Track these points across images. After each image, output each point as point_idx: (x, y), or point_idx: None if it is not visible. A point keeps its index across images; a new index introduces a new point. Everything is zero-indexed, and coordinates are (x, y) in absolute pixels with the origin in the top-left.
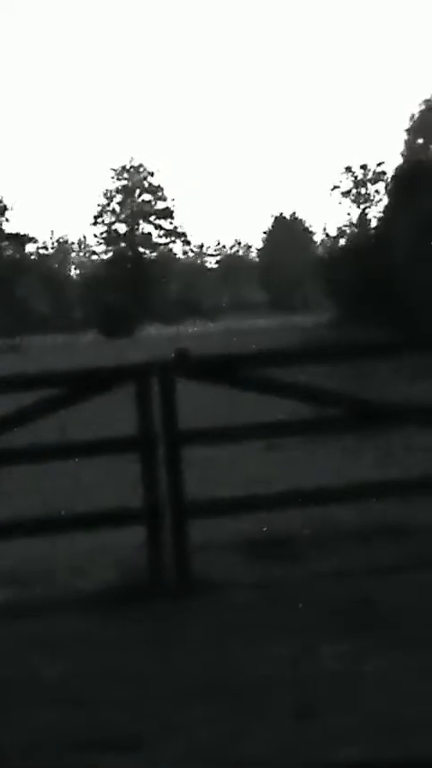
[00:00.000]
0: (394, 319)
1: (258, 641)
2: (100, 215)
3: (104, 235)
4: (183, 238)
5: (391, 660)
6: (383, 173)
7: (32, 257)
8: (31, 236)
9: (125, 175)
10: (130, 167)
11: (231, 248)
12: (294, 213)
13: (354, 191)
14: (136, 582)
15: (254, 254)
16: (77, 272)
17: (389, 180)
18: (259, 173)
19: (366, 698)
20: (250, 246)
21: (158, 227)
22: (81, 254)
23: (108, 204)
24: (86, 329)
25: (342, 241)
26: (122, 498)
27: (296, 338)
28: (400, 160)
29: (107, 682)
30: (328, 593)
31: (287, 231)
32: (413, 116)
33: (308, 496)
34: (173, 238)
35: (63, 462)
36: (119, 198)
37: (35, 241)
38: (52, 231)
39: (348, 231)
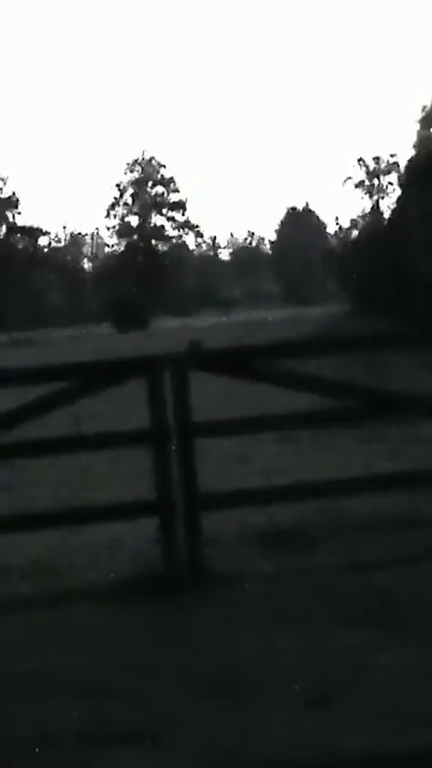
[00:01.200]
0: (408, 310)
1: (271, 633)
2: (113, 207)
3: (117, 227)
4: (195, 230)
5: (404, 651)
6: (396, 164)
7: (45, 250)
8: (44, 229)
9: (137, 168)
10: (143, 160)
11: (244, 240)
12: (307, 205)
13: (366, 182)
14: (149, 574)
15: (266, 246)
16: (90, 264)
17: (402, 171)
18: (272, 165)
19: (379, 689)
20: (263, 238)
21: (171, 219)
22: (94, 246)
23: (121, 197)
24: (100, 322)
25: (355, 232)
26: (135, 490)
27: (309, 329)
28: (412, 151)
29: (119, 673)
30: (340, 585)
31: (300, 223)
32: (425, 107)
33: (320, 488)
34: (185, 231)
35: (76, 455)
36: (131, 190)
37: (48, 234)
38: (65, 224)
39: (361, 222)
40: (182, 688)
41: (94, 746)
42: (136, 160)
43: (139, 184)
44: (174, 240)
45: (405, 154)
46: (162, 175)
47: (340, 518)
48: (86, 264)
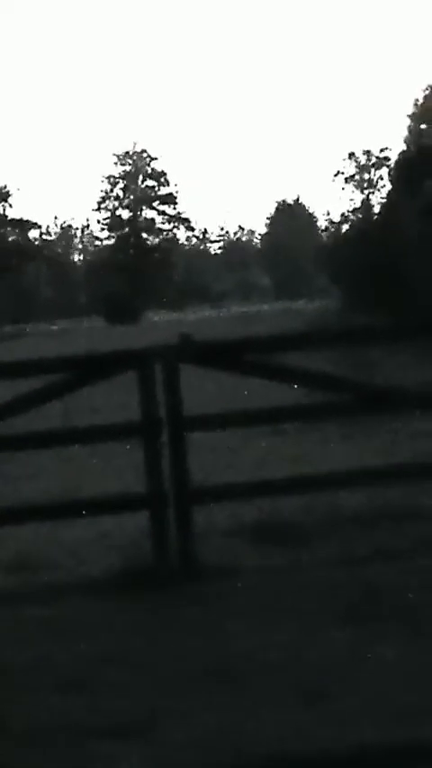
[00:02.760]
0: (398, 304)
1: (263, 626)
2: (103, 201)
3: (108, 221)
4: (186, 224)
5: (397, 645)
6: (387, 158)
7: (36, 243)
8: (34, 221)
9: (128, 161)
10: (133, 153)
11: (234, 234)
12: (298, 199)
13: (357, 176)
14: (140, 568)
15: (257, 239)
16: (81, 257)
17: (392, 165)
18: (262, 158)
19: (372, 683)
20: (253, 232)
21: (162, 212)
22: (84, 240)
23: (111, 190)
24: (90, 315)
25: (345, 227)
26: (127, 484)
27: (300, 323)
28: (403, 146)
29: (112, 667)
30: (333, 579)
31: (290, 217)
32: (417, 101)
33: (312, 482)
34: (176, 224)
35: (67, 448)
36: (122, 183)
37: (38, 227)
38: (55, 217)
39: (352, 217)
40: (174, 682)
41: (87, 739)
42: (127, 153)
43: (129, 177)
44: (164, 234)
45: (396, 149)
46: (153, 168)
47: (332, 512)
48: (77, 258)
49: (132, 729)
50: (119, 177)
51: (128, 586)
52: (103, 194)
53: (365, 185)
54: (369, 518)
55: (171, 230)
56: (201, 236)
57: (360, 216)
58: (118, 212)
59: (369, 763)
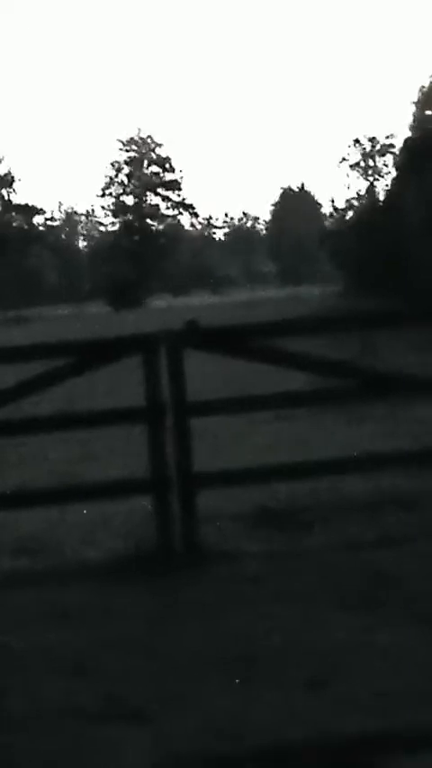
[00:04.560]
0: (402, 290)
1: (267, 612)
2: (108, 186)
3: (112, 206)
4: (190, 210)
5: (401, 631)
6: (392, 145)
7: (40, 228)
8: (38, 207)
9: (133, 147)
10: (138, 139)
11: (239, 220)
12: (302, 185)
13: (362, 163)
14: (144, 552)
15: (261, 225)
16: (85, 243)
17: (397, 152)
18: (267, 145)
19: (376, 669)
20: (258, 218)
21: (166, 198)
22: (89, 225)
23: (116, 176)
24: (95, 300)
25: (350, 213)
26: (131, 468)
27: (305, 309)
28: (408, 132)
29: (115, 652)
30: (337, 564)
31: (295, 203)
32: (422, 88)
33: (316, 467)
34: (180, 210)
35: (71, 432)
36: (127, 169)
37: (43, 212)
38: (60, 202)
39: (356, 204)
40: (177, 667)
41: (90, 724)
42: (131, 139)
43: (134, 163)
44: (169, 220)
45: (401, 135)
46: (158, 154)
47: (336, 497)
48: (81, 243)
49: (135, 714)
50: (123, 163)
51: (131, 571)
52: (108, 180)
53: (370, 172)
54: (373, 504)
55: (175, 216)
56: (205, 223)
57: (364, 202)
58: (122, 198)
59: (371, 749)
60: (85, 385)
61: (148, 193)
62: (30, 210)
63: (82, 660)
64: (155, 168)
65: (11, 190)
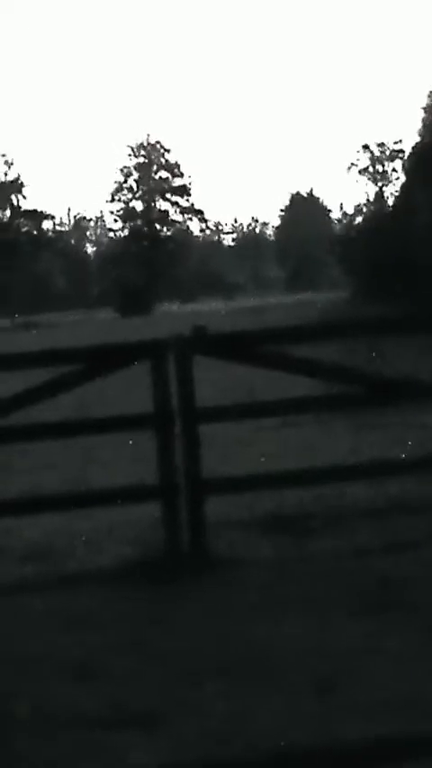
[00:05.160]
0: (411, 296)
1: (274, 617)
2: (116, 192)
3: (121, 212)
4: (199, 216)
5: (408, 637)
6: (401, 150)
7: (49, 234)
8: (47, 212)
9: (142, 152)
10: (147, 144)
11: (248, 226)
12: (311, 191)
13: (371, 168)
14: (152, 558)
15: (270, 231)
16: (94, 249)
17: (406, 158)
18: (275, 151)
19: (383, 674)
20: (266, 224)
21: (175, 204)
22: (98, 231)
23: (125, 181)
24: (103, 306)
25: (359, 219)
26: (139, 474)
27: (313, 315)
28: (417, 138)
29: (122, 657)
30: (344, 570)
31: (304, 209)
32: (431, 93)
33: (324, 473)
34: (189, 216)
35: (80, 438)
36: (136, 175)
37: (52, 218)
38: (69, 208)
39: (365, 209)
40: (184, 672)
41: (97, 729)
42: (140, 144)
43: (143, 169)
44: (178, 225)
45: (410, 140)
46: (167, 160)
47: (343, 504)
48: (90, 249)
49: (141, 720)
50: (132, 168)
51: (139, 577)
52: (117, 185)
53: (379, 177)
54: (380, 510)
55: (184, 222)
56: (214, 228)
57: (373, 208)
58: (131, 204)
59: (380, 755)
60: (93, 391)
61: (156, 199)
62: (39, 216)
63: (89, 665)
64: (164, 174)
65: (20, 195)
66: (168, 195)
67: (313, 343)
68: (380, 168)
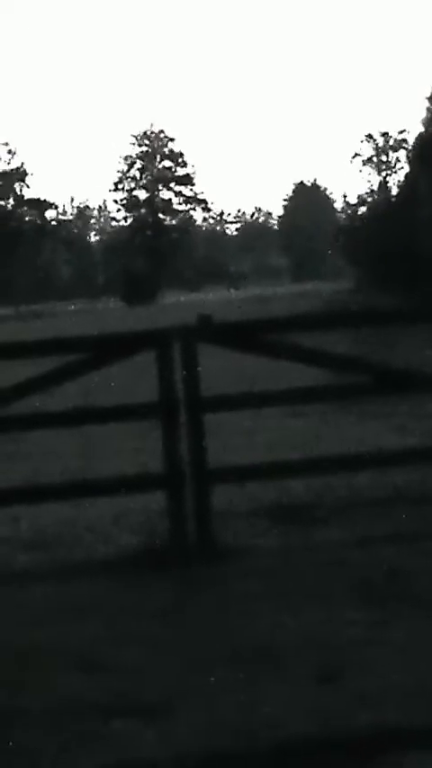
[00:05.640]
0: (414, 285)
1: (280, 607)
2: (120, 181)
3: (124, 201)
4: (203, 205)
5: (414, 627)
6: (405, 140)
7: (53, 223)
8: (51, 202)
9: (146, 141)
10: (151, 133)
11: (251, 215)
12: (315, 180)
13: (375, 158)
14: (158, 547)
15: (274, 221)
16: (98, 238)
17: (410, 147)
18: (279, 140)
19: (389, 664)
20: (270, 213)
21: (179, 193)
22: (101, 220)
23: (128, 170)
24: (108, 295)
25: (363, 208)
26: (144, 464)
27: (318, 304)
28: (421, 128)
29: (128, 647)
30: (350, 561)
31: (308, 198)
32: None
33: (330, 463)
34: (193, 205)
35: (85, 427)
36: (139, 164)
37: (55, 207)
38: (72, 197)
39: (369, 199)
40: (190, 662)
41: (104, 720)
42: (144, 133)
43: (147, 158)
44: (181, 215)
45: (414, 130)
46: (170, 149)
47: (350, 493)
48: (94, 238)
49: (148, 710)
50: (136, 158)
51: (145, 566)
52: (120, 175)
53: (383, 167)
54: (386, 500)
55: (188, 211)
56: (218, 218)
57: (377, 198)
58: (135, 193)
59: (385, 745)
60: (99, 380)
61: (160, 188)
62: (42, 205)
63: (95, 655)
64: (167, 163)
65: (23, 184)
66: (172, 184)
67: (318, 333)
68: (384, 158)
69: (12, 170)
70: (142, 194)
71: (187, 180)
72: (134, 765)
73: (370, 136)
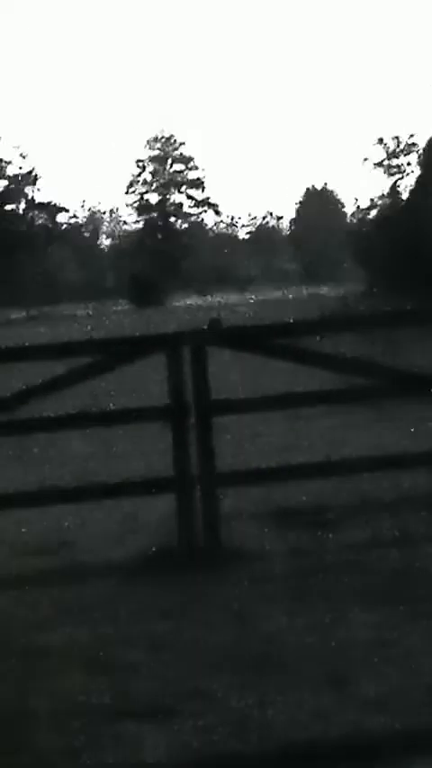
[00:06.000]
0: (427, 289)
1: (288, 610)
2: (132, 185)
3: (136, 204)
4: (214, 209)
5: (424, 630)
6: (415, 144)
7: (64, 227)
8: (62, 205)
9: (157, 145)
10: (163, 137)
11: (263, 219)
12: (326, 184)
13: (385, 162)
14: (167, 550)
15: (285, 225)
16: (109, 241)
17: (421, 151)
18: (290, 144)
19: (398, 667)
20: (281, 218)
21: (190, 197)
22: (112, 223)
23: (140, 174)
24: (117, 299)
25: (373, 212)
26: (154, 467)
27: (328, 308)
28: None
29: (137, 649)
30: (359, 563)
31: (319, 202)
32: None
33: (338, 466)
34: (204, 209)
35: (95, 430)
36: (151, 168)
37: (66, 210)
38: (83, 201)
39: (380, 202)
40: (198, 664)
41: (112, 721)
42: (156, 137)
43: (158, 162)
44: (192, 218)
45: (425, 133)
46: (181, 153)
47: (358, 497)
48: (105, 241)
49: (156, 712)
50: (148, 161)
51: (153, 569)
52: (132, 178)
53: (394, 171)
54: (394, 503)
55: (199, 215)
56: (229, 221)
57: (388, 201)
58: (146, 196)
59: (392, 749)
60: (109, 383)
61: (171, 192)
62: (53, 208)
63: (103, 658)
64: (178, 166)
65: (35, 188)
66: (183, 188)
67: (328, 336)
68: (394, 162)
69: (23, 174)
70: (153, 198)
71: (198, 183)
72: (140, 767)
73: (381, 140)
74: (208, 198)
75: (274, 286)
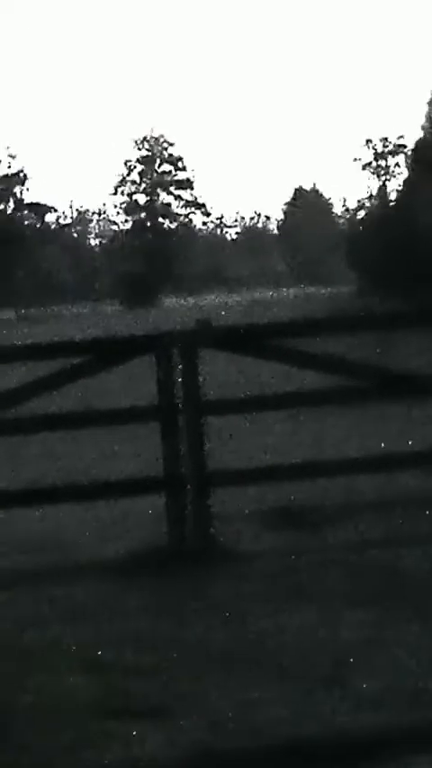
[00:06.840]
0: (415, 289)
1: (280, 609)
2: (120, 185)
3: (124, 205)
4: (202, 209)
5: (414, 628)
6: (404, 145)
7: (52, 227)
8: (50, 205)
9: (145, 146)
10: (151, 137)
11: (251, 220)
12: (314, 185)
13: (374, 163)
14: (157, 550)
15: (273, 225)
16: (97, 241)
17: (409, 152)
18: (278, 145)
19: (390, 666)
20: (269, 218)
21: (178, 197)
22: (101, 224)
23: (128, 174)
24: (107, 299)
25: (362, 213)
26: (144, 467)
27: (318, 309)
28: (420, 133)
29: (128, 649)
30: (351, 562)
31: (307, 203)
32: None
33: (330, 466)
34: (192, 209)
35: (85, 431)
36: (139, 168)
37: (55, 211)
38: (72, 201)
39: (368, 203)
40: (191, 663)
41: (105, 720)
42: (144, 138)
43: (146, 162)
44: (181, 219)
45: (413, 135)
46: (170, 153)
47: (350, 496)
48: (93, 242)
49: (149, 710)
50: (136, 162)
51: (145, 568)
52: (120, 178)
53: (382, 172)
54: (387, 503)
55: (187, 215)
56: (217, 222)
57: (376, 202)
58: (135, 197)
59: (385, 747)
60: (98, 383)
61: (160, 192)
62: (42, 208)
63: (95, 657)
64: (167, 167)
65: (23, 188)
66: (172, 189)
67: (319, 337)
68: (383, 163)
69: (12, 174)
70: (142, 198)
71: (187, 184)
72: (135, 766)
73: (369, 141)
74: (196, 198)
75: (264, 286)
